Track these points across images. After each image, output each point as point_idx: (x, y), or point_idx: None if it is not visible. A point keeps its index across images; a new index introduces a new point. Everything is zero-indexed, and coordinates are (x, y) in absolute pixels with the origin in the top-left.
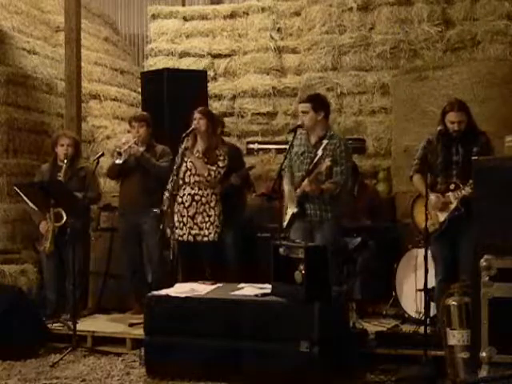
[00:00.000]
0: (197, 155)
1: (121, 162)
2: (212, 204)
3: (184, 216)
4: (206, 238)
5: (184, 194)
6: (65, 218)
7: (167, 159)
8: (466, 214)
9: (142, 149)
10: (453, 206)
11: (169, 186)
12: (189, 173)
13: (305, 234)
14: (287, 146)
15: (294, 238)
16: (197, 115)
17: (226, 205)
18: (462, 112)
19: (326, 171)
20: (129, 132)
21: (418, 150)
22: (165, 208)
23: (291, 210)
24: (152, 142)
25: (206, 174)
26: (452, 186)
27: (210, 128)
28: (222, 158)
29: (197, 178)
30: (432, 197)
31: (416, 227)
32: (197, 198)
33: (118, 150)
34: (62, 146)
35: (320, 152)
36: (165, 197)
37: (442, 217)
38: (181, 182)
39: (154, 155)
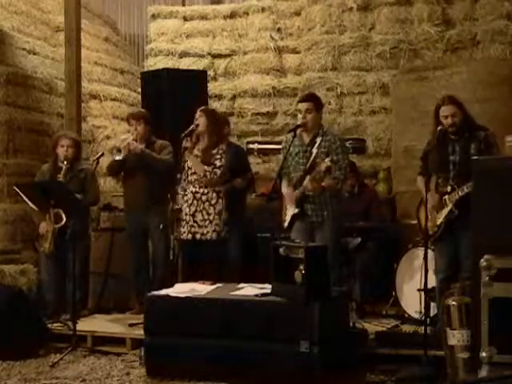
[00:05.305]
0: (197, 154)
1: (120, 158)
2: (212, 202)
3: (187, 214)
4: (204, 237)
5: (188, 193)
6: (64, 219)
7: (168, 151)
8: (461, 215)
9: (141, 146)
10: (448, 209)
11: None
12: (190, 171)
13: (305, 234)
14: (286, 146)
15: (294, 238)
16: (197, 114)
17: (228, 205)
18: (453, 105)
19: (325, 170)
20: (128, 132)
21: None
22: (177, 207)
23: (291, 211)
24: (151, 138)
25: (201, 175)
26: (449, 189)
27: (210, 127)
28: (219, 157)
29: (196, 176)
30: (430, 198)
31: (420, 228)
32: (197, 196)
33: (117, 146)
34: (63, 146)
35: (315, 150)
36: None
37: (440, 219)
38: (186, 181)
39: (155, 151)
